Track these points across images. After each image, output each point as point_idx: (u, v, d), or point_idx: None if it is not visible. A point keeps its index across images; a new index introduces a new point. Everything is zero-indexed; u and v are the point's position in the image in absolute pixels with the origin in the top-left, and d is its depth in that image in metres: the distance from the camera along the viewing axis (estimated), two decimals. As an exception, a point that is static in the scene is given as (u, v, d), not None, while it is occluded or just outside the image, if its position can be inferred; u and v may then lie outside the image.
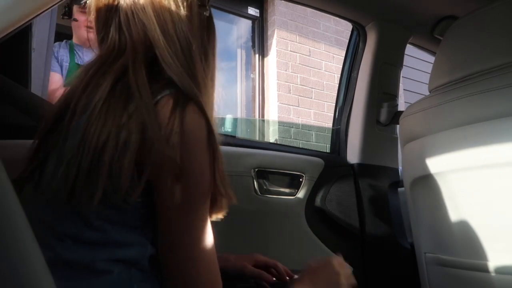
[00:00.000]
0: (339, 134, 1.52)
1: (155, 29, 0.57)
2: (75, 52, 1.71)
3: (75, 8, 1.64)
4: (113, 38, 0.59)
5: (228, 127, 3.19)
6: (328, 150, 1.59)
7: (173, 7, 0.59)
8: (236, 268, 0.82)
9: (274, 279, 0.82)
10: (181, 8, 0.59)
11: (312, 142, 3.56)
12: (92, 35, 0.66)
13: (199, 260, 0.54)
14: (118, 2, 0.60)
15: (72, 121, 0.54)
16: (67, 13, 1.63)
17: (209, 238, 0.56)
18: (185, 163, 0.50)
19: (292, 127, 3.50)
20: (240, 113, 3.57)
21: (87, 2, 0.65)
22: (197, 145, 0.52)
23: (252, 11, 3.66)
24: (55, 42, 1.53)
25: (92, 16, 0.63)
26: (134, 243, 0.54)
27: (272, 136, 3.46)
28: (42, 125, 0.59)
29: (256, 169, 1.20)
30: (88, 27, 1.58)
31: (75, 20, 1.64)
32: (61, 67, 1.67)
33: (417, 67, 3.83)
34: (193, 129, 0.51)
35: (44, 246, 0.47)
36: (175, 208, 0.52)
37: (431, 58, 1.24)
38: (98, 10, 0.62)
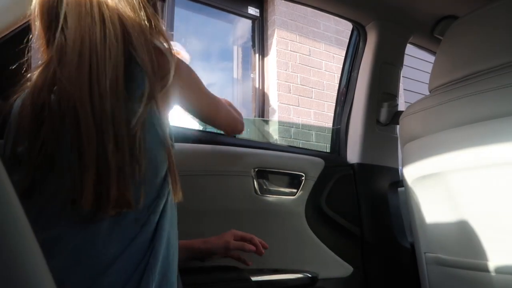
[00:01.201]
0: (339, 134, 1.52)
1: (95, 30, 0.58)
2: None
3: None
4: (60, 40, 0.60)
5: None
6: (328, 150, 1.59)
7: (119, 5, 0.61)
8: (221, 246, 0.93)
9: (254, 248, 0.96)
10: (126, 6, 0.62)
11: (312, 142, 3.56)
12: None
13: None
14: (58, 4, 0.61)
15: (56, 123, 0.56)
16: None
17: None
18: None
19: (292, 127, 3.49)
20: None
21: (31, 7, 0.65)
22: None
23: (252, 11, 3.65)
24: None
25: (36, 23, 0.64)
26: None
27: (272, 136, 3.46)
28: (19, 127, 0.59)
29: (256, 169, 1.20)
30: None
31: None
32: None
33: (417, 67, 3.83)
34: None
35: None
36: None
37: (431, 58, 1.24)
38: (42, 15, 0.63)
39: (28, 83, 0.64)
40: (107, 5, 0.60)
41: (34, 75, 0.62)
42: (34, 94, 0.58)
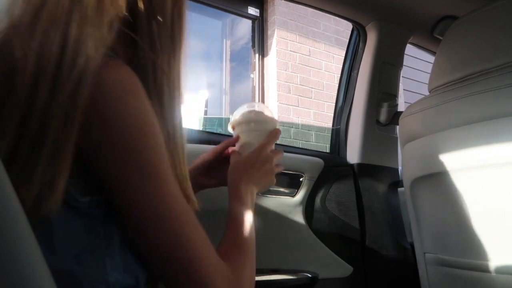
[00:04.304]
0: (339, 134, 1.52)
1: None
2: None
3: None
4: None
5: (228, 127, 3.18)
6: (328, 150, 1.59)
7: None
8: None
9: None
10: None
11: (312, 142, 3.56)
12: None
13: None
14: None
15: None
16: None
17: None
18: None
19: (292, 127, 3.49)
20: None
21: None
22: None
23: (252, 11, 3.65)
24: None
25: None
26: None
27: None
28: None
29: (256, 169, 1.20)
30: None
31: None
32: None
33: (417, 67, 3.83)
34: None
35: None
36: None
37: (431, 58, 1.24)
38: None
39: None
40: None
41: None
42: None
